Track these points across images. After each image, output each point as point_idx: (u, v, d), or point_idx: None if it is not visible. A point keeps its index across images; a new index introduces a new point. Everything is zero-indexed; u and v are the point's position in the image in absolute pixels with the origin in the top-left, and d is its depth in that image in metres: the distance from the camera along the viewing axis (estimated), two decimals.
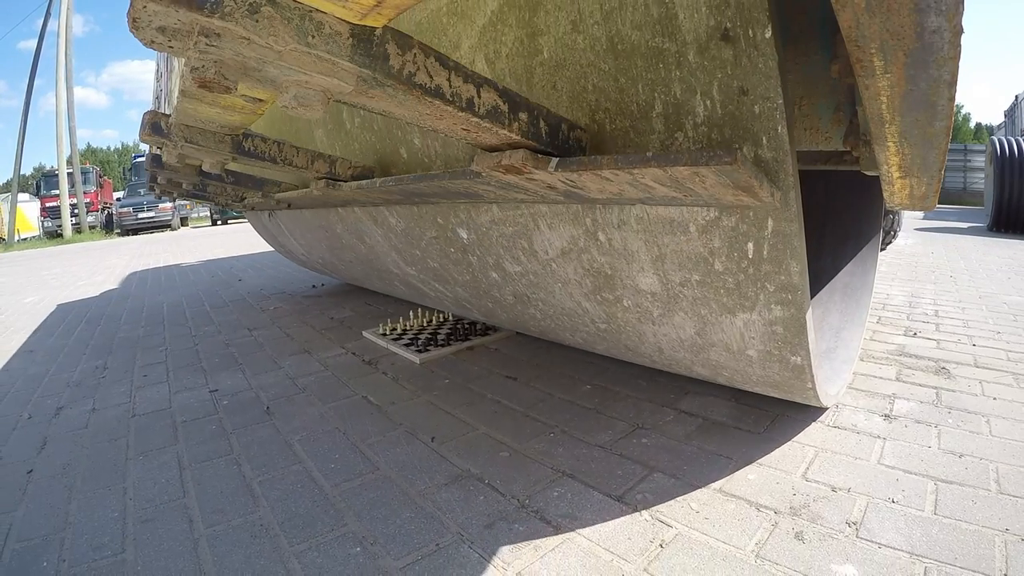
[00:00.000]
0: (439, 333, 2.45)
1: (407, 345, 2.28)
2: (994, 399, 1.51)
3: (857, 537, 0.96)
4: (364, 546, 1.03)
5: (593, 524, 1.05)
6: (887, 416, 1.44)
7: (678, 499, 1.11)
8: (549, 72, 1.08)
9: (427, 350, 2.20)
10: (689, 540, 0.99)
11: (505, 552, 0.98)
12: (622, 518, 1.06)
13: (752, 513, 1.05)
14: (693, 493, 1.13)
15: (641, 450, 1.33)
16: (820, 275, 2.17)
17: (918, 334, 2.16)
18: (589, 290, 1.38)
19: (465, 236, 1.65)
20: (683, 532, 1.01)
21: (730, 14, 0.81)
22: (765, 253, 0.96)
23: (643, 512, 1.08)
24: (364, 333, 2.62)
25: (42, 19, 18.88)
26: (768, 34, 0.79)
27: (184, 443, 1.59)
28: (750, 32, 0.80)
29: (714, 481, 1.17)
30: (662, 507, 1.09)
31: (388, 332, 2.52)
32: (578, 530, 1.04)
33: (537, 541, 1.01)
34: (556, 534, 1.03)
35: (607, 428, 1.46)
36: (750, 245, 0.96)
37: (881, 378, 1.71)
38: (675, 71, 0.90)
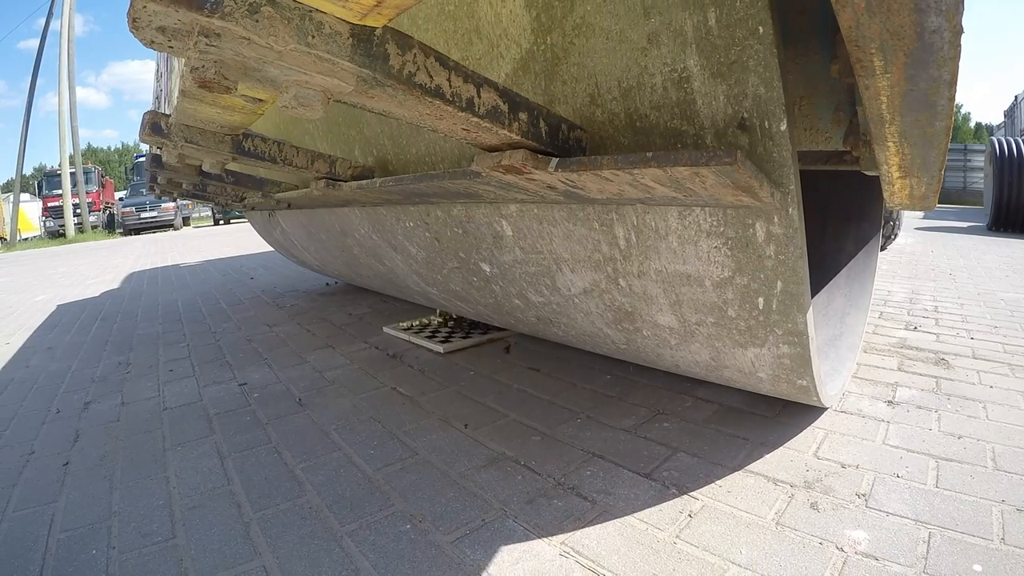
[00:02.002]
0: (459, 327, 2.54)
1: (429, 338, 2.38)
2: (991, 387, 1.61)
3: (867, 507, 1.06)
4: (413, 523, 1.11)
5: (626, 498, 1.15)
6: (890, 402, 1.54)
7: (702, 475, 1.21)
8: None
9: (449, 341, 2.30)
10: (715, 511, 1.08)
11: (548, 524, 1.08)
12: (652, 493, 1.16)
13: (770, 487, 1.15)
14: (715, 470, 1.23)
15: (664, 433, 1.43)
16: (824, 259, 2.23)
17: (918, 328, 2.26)
18: (610, 321, 1.45)
19: (488, 270, 1.70)
20: (709, 504, 1.11)
21: (747, 105, 0.85)
22: (774, 306, 1.04)
23: (671, 487, 1.18)
24: (385, 328, 2.71)
25: (43, 19, 18.90)
26: (783, 127, 0.84)
27: (221, 434, 1.64)
28: (766, 124, 0.85)
29: (733, 459, 1.27)
30: (688, 483, 1.19)
31: (409, 327, 2.61)
32: (613, 504, 1.13)
33: (577, 514, 1.10)
34: (593, 507, 1.12)
35: (630, 414, 1.56)
36: (760, 300, 1.05)
37: (884, 368, 1.81)
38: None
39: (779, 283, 1.00)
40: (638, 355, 1.59)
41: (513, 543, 1.02)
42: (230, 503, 1.24)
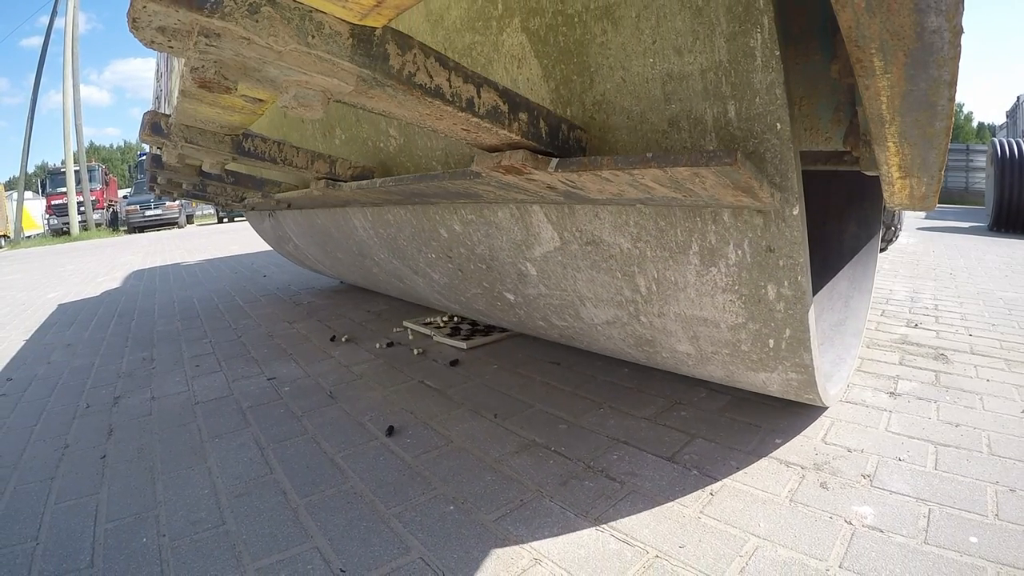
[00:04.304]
0: (478, 323, 2.63)
1: (450, 334, 2.47)
2: (987, 381, 1.71)
3: (871, 486, 1.16)
4: (456, 504, 1.19)
5: (652, 479, 1.25)
6: (892, 393, 1.64)
7: (719, 459, 1.31)
8: (591, 205, 1.18)
9: (471, 338, 2.40)
10: (733, 490, 1.19)
11: (582, 503, 1.17)
12: (675, 474, 1.26)
13: (783, 469, 1.25)
14: (731, 454, 1.33)
15: (682, 421, 1.53)
16: (827, 240, 2.28)
17: (919, 325, 2.35)
18: (631, 344, 1.54)
19: (512, 298, 1.77)
20: (727, 484, 1.21)
21: None
22: (783, 346, 1.13)
23: (692, 469, 1.28)
24: (405, 323, 2.79)
25: (47, 17, 18.97)
26: (796, 211, 0.90)
27: (257, 426, 1.70)
28: (780, 207, 0.91)
29: (748, 444, 1.37)
30: (707, 465, 1.29)
31: (429, 322, 2.70)
32: (640, 484, 1.23)
33: (608, 493, 1.20)
34: (622, 488, 1.22)
35: (649, 404, 1.66)
36: (771, 341, 1.14)
37: (886, 362, 1.91)
38: (711, 225, 1.02)
39: (788, 330, 1.09)
40: (657, 367, 1.69)
41: (552, 520, 1.12)
42: (275, 491, 1.29)
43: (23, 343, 3.23)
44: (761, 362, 1.22)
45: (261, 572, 1.01)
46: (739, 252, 1.02)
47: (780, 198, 0.90)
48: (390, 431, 1.60)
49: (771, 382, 1.31)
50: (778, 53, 0.80)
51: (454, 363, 2.17)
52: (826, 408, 1.56)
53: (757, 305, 1.08)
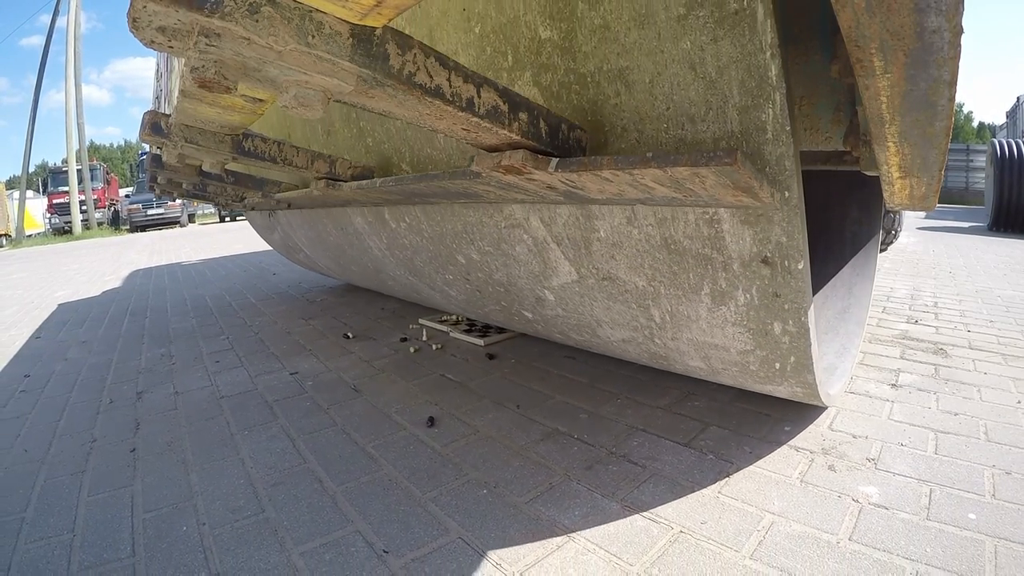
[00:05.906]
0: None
1: (466, 331, 2.55)
2: (985, 374, 1.79)
3: (876, 468, 1.25)
4: (489, 488, 1.26)
5: (671, 463, 1.33)
6: (893, 385, 1.73)
7: (733, 445, 1.40)
8: (607, 248, 1.24)
9: (487, 335, 2.47)
10: (748, 472, 1.27)
11: (608, 485, 1.26)
12: (692, 459, 1.35)
13: (792, 453, 1.34)
14: (744, 440, 1.42)
15: (695, 410, 1.62)
16: (829, 225, 2.34)
17: (919, 322, 2.44)
18: (646, 358, 1.63)
19: (530, 316, 1.85)
20: (742, 467, 1.29)
21: (770, 248, 0.97)
22: (788, 369, 1.21)
23: (708, 454, 1.36)
24: (421, 320, 2.86)
25: (47, 16, 18.99)
26: (801, 266, 0.95)
27: (285, 419, 1.74)
28: (786, 263, 0.97)
29: (759, 431, 1.46)
30: (722, 450, 1.37)
31: (445, 319, 2.78)
32: (661, 468, 1.32)
33: (631, 476, 1.29)
34: (644, 471, 1.31)
35: (664, 394, 1.75)
36: (777, 364, 1.22)
37: (887, 356, 1.99)
38: (721, 273, 1.08)
39: (792, 357, 1.17)
40: (671, 371, 1.76)
41: (580, 501, 1.20)
42: (311, 479, 1.33)
43: (37, 341, 3.24)
44: (768, 378, 1.30)
45: (305, 555, 1.05)
46: (748, 296, 1.08)
47: (787, 254, 0.96)
48: (431, 422, 1.66)
49: (777, 392, 1.40)
50: (788, 128, 0.82)
51: (491, 357, 2.24)
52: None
53: (764, 337, 1.15)
